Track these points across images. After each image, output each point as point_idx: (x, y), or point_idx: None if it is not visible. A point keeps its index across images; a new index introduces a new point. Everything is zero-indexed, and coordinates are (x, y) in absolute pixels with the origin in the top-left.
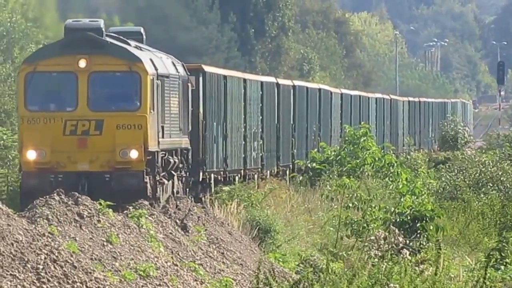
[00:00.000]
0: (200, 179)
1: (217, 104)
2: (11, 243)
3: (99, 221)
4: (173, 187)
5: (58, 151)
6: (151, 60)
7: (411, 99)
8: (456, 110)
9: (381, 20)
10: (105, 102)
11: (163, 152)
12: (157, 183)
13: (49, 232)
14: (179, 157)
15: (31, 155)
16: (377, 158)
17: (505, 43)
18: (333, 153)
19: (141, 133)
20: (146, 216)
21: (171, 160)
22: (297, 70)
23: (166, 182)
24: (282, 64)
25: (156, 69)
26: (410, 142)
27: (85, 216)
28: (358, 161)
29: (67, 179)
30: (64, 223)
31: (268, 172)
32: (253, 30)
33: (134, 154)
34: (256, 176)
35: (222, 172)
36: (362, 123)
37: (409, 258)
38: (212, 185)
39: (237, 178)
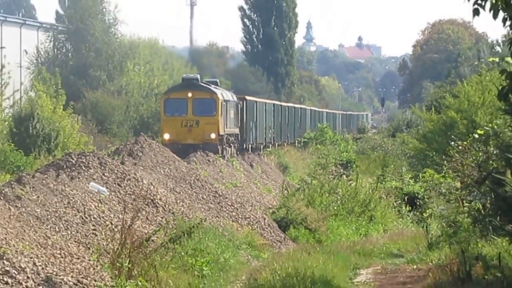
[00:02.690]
0: (244, 147)
1: (251, 114)
2: (180, 172)
3: (215, 162)
4: (231, 151)
5: (178, 134)
6: (221, 93)
7: (343, 112)
8: (364, 117)
9: (333, 80)
10: (200, 112)
11: (226, 135)
12: (224, 149)
13: (195, 167)
14: (234, 137)
15: (166, 136)
16: (331, 137)
17: (384, 89)
18: (313, 134)
19: (216, 126)
20: (236, 160)
21: (230, 138)
22: (298, 101)
23: (228, 149)
24: (292, 98)
25: (223, 97)
26: (344, 131)
27: (210, 160)
28: (323, 138)
29: (183, 147)
30: (202, 163)
31: (277, 143)
32: (279, 84)
33: (213, 135)
34: (270, 145)
35: (254, 144)
36: (325, 123)
37: (345, 178)
38: (249, 150)
39: (261, 147)
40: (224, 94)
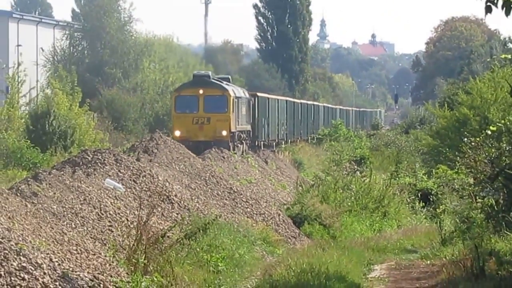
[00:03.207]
0: (256, 144)
1: (263, 110)
2: (195, 168)
3: (230, 159)
4: (243, 148)
5: (189, 131)
6: (232, 90)
7: (356, 109)
8: (377, 113)
9: (347, 77)
10: (211, 108)
11: (238, 132)
12: (235, 146)
13: (210, 164)
14: (246, 134)
15: (177, 133)
16: (345, 133)
17: (398, 86)
18: (327, 131)
19: (227, 123)
20: (251, 157)
21: (242, 135)
22: (312, 97)
23: (239, 146)
24: (306, 95)
25: (235, 93)
26: (359, 127)
27: (225, 157)
28: (337, 134)
29: (194, 144)
30: (216, 160)
31: (289, 140)
32: (293, 81)
33: (224, 132)
34: (283, 142)
35: (266, 141)
36: (338, 119)
37: (359, 174)
38: (262, 147)
39: (274, 144)
40: (235, 91)
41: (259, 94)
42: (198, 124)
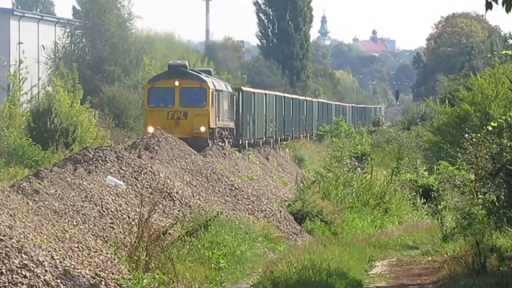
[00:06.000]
0: (240, 143)
1: (249, 106)
2: (196, 165)
3: (231, 155)
4: (224, 147)
5: (164, 127)
6: (212, 82)
7: (354, 105)
8: (378, 110)
9: (348, 73)
10: (188, 102)
11: (218, 128)
12: (215, 144)
13: (211, 161)
14: (228, 132)
15: (150, 129)
16: (346, 130)
17: (399, 83)
18: (328, 127)
19: (206, 118)
20: (252, 153)
21: (223, 133)
22: (313, 94)
23: (221, 143)
24: (307, 92)
25: (214, 86)
26: (359, 124)
27: (226, 153)
28: (338, 131)
29: None
30: (218, 156)
31: (279, 138)
32: (295, 77)
33: (202, 129)
34: (272, 140)
35: (252, 140)
36: (335, 116)
37: (360, 171)
38: (246, 146)
39: (261, 142)
40: (216, 83)
41: (243, 88)
42: (174, 119)
